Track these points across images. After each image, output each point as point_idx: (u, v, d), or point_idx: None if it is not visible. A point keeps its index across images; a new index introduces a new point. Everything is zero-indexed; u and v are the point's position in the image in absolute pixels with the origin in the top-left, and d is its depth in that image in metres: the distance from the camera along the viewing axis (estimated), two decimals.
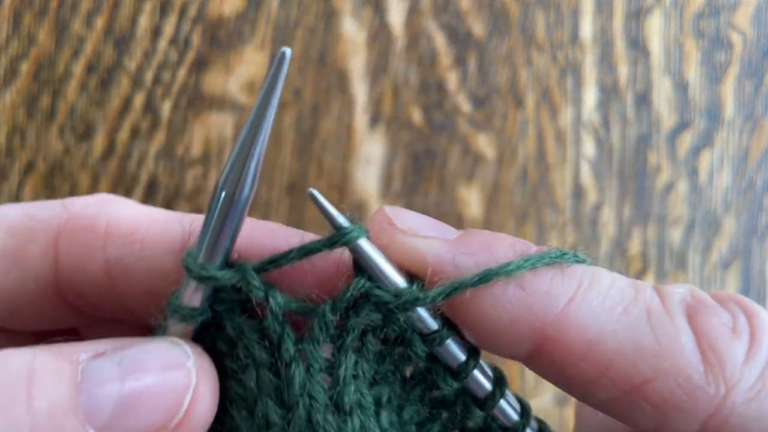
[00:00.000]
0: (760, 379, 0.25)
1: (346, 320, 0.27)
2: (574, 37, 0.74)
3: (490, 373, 0.29)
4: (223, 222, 0.25)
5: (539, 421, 0.30)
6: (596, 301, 0.26)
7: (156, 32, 0.73)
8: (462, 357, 0.28)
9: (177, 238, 0.29)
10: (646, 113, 0.73)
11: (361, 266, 0.27)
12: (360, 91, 0.72)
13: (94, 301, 0.32)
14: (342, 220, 0.27)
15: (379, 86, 0.72)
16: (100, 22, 0.73)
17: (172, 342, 0.26)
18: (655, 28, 0.74)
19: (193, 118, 0.71)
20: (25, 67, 0.72)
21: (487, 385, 0.29)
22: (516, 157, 0.72)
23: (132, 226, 0.30)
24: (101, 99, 0.72)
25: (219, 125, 0.71)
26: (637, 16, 0.74)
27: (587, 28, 0.74)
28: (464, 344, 0.28)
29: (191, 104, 0.72)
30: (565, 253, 0.27)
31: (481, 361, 0.29)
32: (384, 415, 0.28)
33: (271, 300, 0.26)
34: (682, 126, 0.73)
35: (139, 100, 0.72)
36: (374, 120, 0.72)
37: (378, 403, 0.28)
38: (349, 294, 0.26)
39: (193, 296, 0.26)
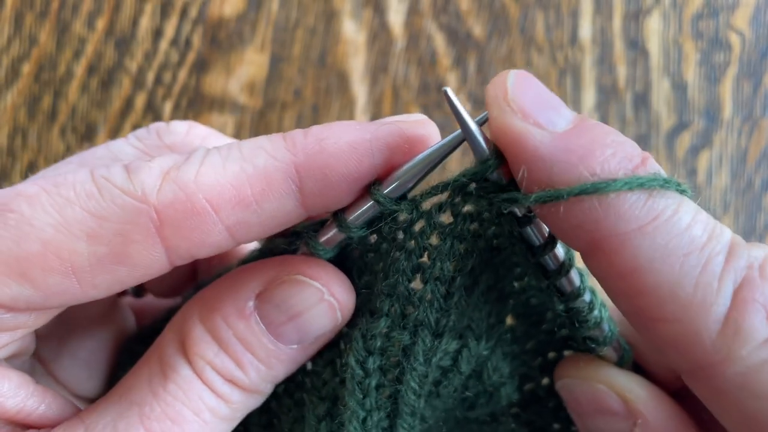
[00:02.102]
0: (760, 365, 0.26)
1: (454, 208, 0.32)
2: (574, 38, 0.74)
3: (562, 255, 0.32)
4: (424, 168, 0.31)
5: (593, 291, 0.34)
6: (661, 239, 0.27)
7: (157, 33, 0.73)
8: (539, 241, 0.32)
9: (287, 183, 0.30)
10: (645, 114, 0.73)
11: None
12: (360, 91, 0.73)
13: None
14: (481, 143, 0.29)
15: (379, 86, 0.73)
16: (101, 23, 0.73)
17: (303, 282, 0.33)
18: (654, 28, 0.74)
19: (193, 118, 0.71)
20: (26, 68, 0.72)
21: (561, 255, 0.32)
22: None
23: (235, 193, 0.30)
24: (102, 100, 0.72)
25: (219, 125, 0.72)
26: (636, 17, 0.74)
27: (586, 29, 0.74)
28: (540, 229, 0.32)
29: (192, 105, 0.72)
30: (668, 181, 0.27)
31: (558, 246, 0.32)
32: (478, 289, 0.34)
33: (415, 213, 0.32)
34: (681, 126, 0.73)
35: (140, 100, 0.72)
36: (374, 120, 0.72)
37: (472, 279, 0.34)
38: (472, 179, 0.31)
39: (334, 235, 0.33)
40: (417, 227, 0.33)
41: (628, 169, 0.27)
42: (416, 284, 0.34)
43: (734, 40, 0.74)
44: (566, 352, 0.38)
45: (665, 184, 0.27)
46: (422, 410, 0.36)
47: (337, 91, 0.72)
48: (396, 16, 0.74)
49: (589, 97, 0.73)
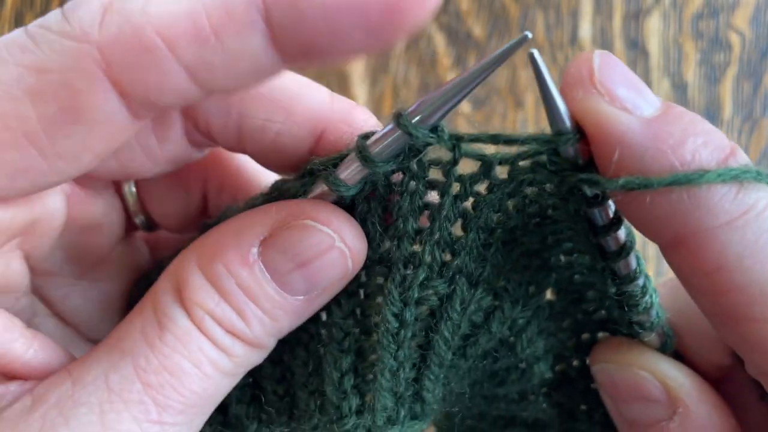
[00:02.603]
0: None
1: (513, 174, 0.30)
2: (574, 38, 0.74)
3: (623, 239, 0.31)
4: (461, 93, 0.28)
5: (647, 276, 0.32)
6: (752, 234, 0.25)
7: None
8: (603, 221, 0.30)
9: (251, 13, 0.25)
10: None
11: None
12: (360, 91, 0.73)
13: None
14: (563, 115, 0.27)
15: (379, 86, 0.73)
16: None
17: (313, 227, 0.30)
18: (654, 28, 0.74)
19: None
20: None
21: (623, 237, 0.30)
22: None
23: (190, 24, 0.25)
24: None
25: None
26: (636, 16, 0.75)
27: (586, 29, 0.74)
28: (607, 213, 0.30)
29: None
30: (759, 174, 0.26)
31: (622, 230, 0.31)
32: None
33: (457, 150, 0.30)
34: None
35: None
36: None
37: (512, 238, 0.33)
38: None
39: (356, 170, 0.30)
40: (462, 170, 0.31)
41: (719, 159, 0.26)
42: (455, 230, 0.32)
43: (734, 40, 0.74)
44: (600, 335, 0.37)
45: (758, 176, 0.26)
46: (448, 366, 0.36)
47: (338, 91, 0.72)
48: None
49: None
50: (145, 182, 0.38)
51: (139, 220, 0.38)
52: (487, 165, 0.30)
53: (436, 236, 0.32)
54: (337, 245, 0.30)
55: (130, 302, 0.39)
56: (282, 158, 0.34)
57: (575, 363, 0.38)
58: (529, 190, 0.30)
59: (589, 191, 0.28)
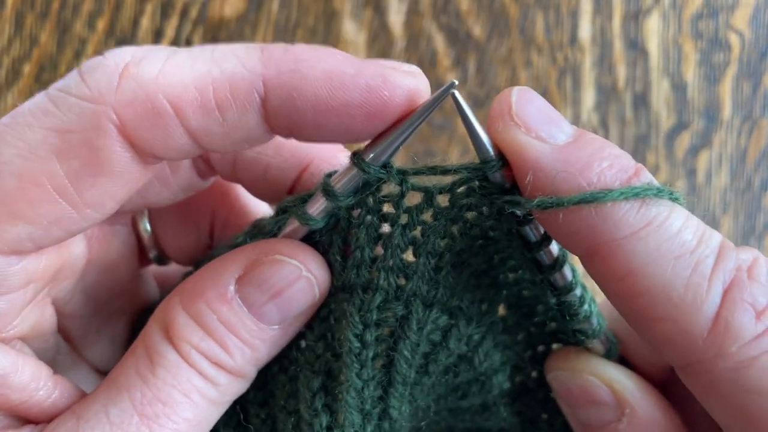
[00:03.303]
0: (749, 361, 0.28)
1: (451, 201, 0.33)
2: (573, 38, 0.74)
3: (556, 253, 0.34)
4: (404, 135, 0.32)
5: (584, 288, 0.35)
6: (653, 243, 0.28)
7: (157, 33, 0.73)
8: (536, 237, 0.33)
9: (251, 96, 0.29)
10: (644, 114, 0.73)
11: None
12: None
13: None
14: (487, 145, 0.31)
15: None
16: (101, 24, 0.73)
17: (281, 261, 0.34)
18: (653, 29, 0.74)
19: None
20: (27, 68, 0.72)
21: (556, 251, 0.34)
22: None
23: (197, 96, 0.28)
24: None
25: None
26: (635, 17, 0.75)
27: (586, 29, 0.74)
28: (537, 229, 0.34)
29: None
30: (660, 191, 0.29)
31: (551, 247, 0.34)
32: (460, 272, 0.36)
33: (404, 184, 0.33)
34: (681, 126, 0.73)
35: None
36: None
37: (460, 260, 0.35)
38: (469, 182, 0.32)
39: (322, 205, 0.34)
40: (410, 202, 0.34)
41: (623, 179, 0.29)
42: (407, 256, 0.35)
43: (734, 40, 0.74)
44: (555, 346, 0.40)
45: (658, 193, 0.29)
46: (412, 383, 0.38)
47: None
48: (396, 17, 0.74)
49: (589, 97, 0.73)
50: (159, 219, 0.42)
51: (152, 254, 0.42)
52: (428, 195, 0.33)
53: (390, 262, 0.35)
54: (304, 275, 0.34)
55: (134, 335, 0.41)
56: (271, 189, 0.38)
57: (533, 374, 0.41)
58: (469, 215, 0.34)
59: (517, 211, 0.31)
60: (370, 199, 0.34)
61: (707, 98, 0.74)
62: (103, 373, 0.41)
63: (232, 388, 0.34)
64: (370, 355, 0.36)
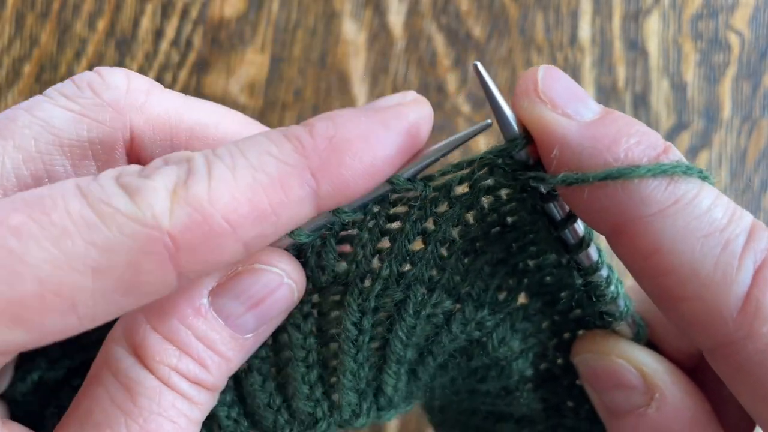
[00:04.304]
0: None
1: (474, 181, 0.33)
2: (573, 39, 0.74)
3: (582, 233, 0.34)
4: (433, 159, 0.32)
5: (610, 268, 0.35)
6: (682, 221, 0.28)
7: (157, 34, 0.73)
8: (561, 216, 0.33)
9: (304, 189, 0.29)
10: (644, 114, 0.73)
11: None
12: (360, 92, 0.73)
13: None
14: (512, 122, 0.31)
15: (379, 87, 0.73)
16: (101, 24, 0.73)
17: (262, 269, 0.32)
18: (653, 29, 0.75)
19: None
20: (27, 69, 0.72)
21: (581, 230, 0.33)
22: None
23: (253, 208, 0.28)
24: None
25: None
26: (635, 17, 0.75)
27: (586, 30, 0.74)
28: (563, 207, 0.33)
29: None
30: (690, 168, 0.28)
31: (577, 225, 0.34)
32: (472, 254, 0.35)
33: (426, 189, 0.33)
34: (681, 127, 0.73)
35: None
36: None
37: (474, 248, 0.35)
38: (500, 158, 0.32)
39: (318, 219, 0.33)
40: (428, 199, 0.33)
41: (651, 156, 0.28)
42: (415, 246, 0.35)
43: (733, 40, 0.75)
44: (580, 332, 0.39)
45: (687, 170, 0.28)
46: (413, 362, 0.38)
47: (338, 92, 0.73)
48: (396, 17, 0.74)
49: None
50: None
51: None
52: (446, 189, 0.33)
53: (395, 254, 0.34)
54: (285, 282, 0.33)
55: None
56: None
57: (559, 361, 0.40)
58: (485, 201, 0.33)
59: (542, 187, 0.31)
60: (377, 208, 0.33)
61: (707, 98, 0.74)
62: None
63: (210, 403, 0.33)
64: (367, 339, 0.36)
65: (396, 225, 0.34)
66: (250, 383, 0.38)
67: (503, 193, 0.33)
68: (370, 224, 0.34)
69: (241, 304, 0.32)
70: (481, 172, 0.32)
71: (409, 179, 0.32)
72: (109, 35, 0.73)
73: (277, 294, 0.33)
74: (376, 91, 0.73)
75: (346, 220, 0.33)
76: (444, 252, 0.35)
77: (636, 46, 0.74)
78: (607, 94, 0.73)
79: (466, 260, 0.35)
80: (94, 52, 0.73)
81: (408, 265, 0.35)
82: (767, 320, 0.27)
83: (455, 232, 0.34)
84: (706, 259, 0.28)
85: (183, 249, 0.27)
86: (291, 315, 0.36)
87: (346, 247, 0.35)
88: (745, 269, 0.28)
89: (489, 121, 0.31)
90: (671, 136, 0.73)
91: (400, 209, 0.34)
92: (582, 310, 0.38)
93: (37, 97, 0.34)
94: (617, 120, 0.29)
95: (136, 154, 0.37)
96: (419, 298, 0.35)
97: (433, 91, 0.73)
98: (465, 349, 0.39)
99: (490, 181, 0.32)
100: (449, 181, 0.33)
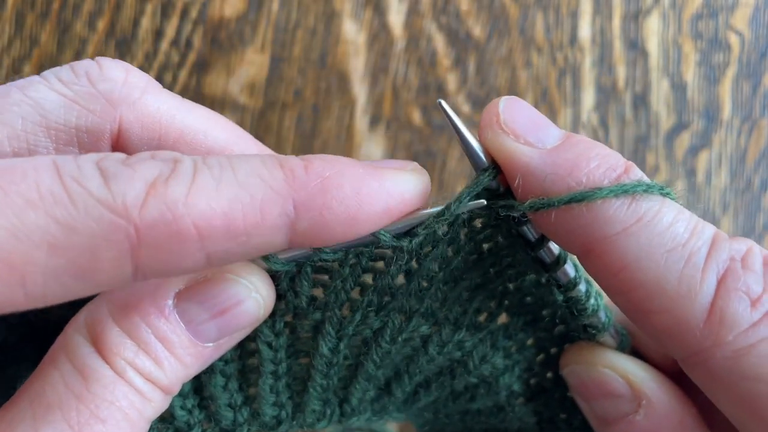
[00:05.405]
0: (746, 349, 0.28)
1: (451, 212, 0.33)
2: (573, 39, 0.74)
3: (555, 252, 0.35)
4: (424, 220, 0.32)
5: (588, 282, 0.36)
6: (646, 238, 0.29)
7: (157, 34, 0.73)
8: (534, 237, 0.34)
9: (282, 219, 0.28)
10: (644, 114, 0.73)
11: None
12: (360, 91, 0.73)
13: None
14: (479, 153, 0.32)
15: (379, 87, 0.73)
16: (101, 24, 0.73)
17: (230, 279, 0.32)
18: (653, 29, 0.74)
19: None
20: (27, 68, 0.72)
21: (556, 249, 0.35)
22: None
23: (225, 222, 0.27)
24: None
25: None
26: (635, 17, 0.75)
27: (586, 30, 0.74)
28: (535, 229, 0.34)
29: None
30: (650, 186, 0.30)
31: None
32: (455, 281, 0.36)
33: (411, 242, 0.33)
34: (681, 127, 0.73)
35: None
36: (374, 120, 0.72)
37: (454, 277, 0.36)
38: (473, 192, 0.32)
39: (301, 253, 0.33)
40: (413, 250, 0.34)
41: (612, 177, 0.30)
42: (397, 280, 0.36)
43: (733, 40, 0.74)
44: (567, 346, 0.40)
45: (648, 189, 0.30)
46: (383, 378, 0.39)
47: (338, 92, 0.73)
48: (396, 17, 0.74)
49: (589, 97, 0.73)
50: None
51: None
52: (431, 234, 0.33)
53: (377, 290, 0.35)
54: (253, 296, 0.33)
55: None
56: None
57: (549, 375, 0.42)
58: (462, 233, 0.34)
59: (512, 213, 0.32)
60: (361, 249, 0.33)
61: (707, 98, 0.74)
62: None
63: (163, 404, 0.33)
64: (341, 360, 0.37)
65: (379, 264, 0.35)
66: (212, 384, 0.38)
67: (478, 222, 0.34)
68: (352, 261, 0.34)
69: (204, 311, 0.32)
70: (453, 206, 0.33)
71: (394, 236, 0.32)
72: (109, 35, 0.73)
73: (242, 306, 0.33)
74: (376, 91, 0.73)
75: (327, 259, 0.33)
76: (425, 284, 0.35)
77: (636, 46, 0.74)
78: (607, 94, 0.73)
79: (444, 288, 0.36)
80: (94, 52, 0.73)
81: (388, 297, 0.35)
82: (732, 329, 0.28)
83: (435, 266, 0.35)
84: (670, 274, 0.29)
85: (145, 245, 0.26)
86: (261, 331, 0.36)
87: (323, 276, 0.35)
88: (708, 281, 0.29)
89: (483, 201, 0.32)
90: (671, 136, 0.73)
91: (385, 250, 0.34)
92: (565, 325, 0.39)
93: (33, 77, 0.34)
94: (577, 144, 0.31)
95: (122, 149, 0.36)
96: (397, 326, 0.36)
97: (433, 91, 0.73)
98: (447, 368, 0.40)
99: (464, 215, 0.33)
100: (432, 227, 0.33)
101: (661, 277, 0.29)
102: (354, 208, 0.29)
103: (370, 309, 0.36)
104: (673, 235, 0.29)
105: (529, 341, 0.40)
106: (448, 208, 0.32)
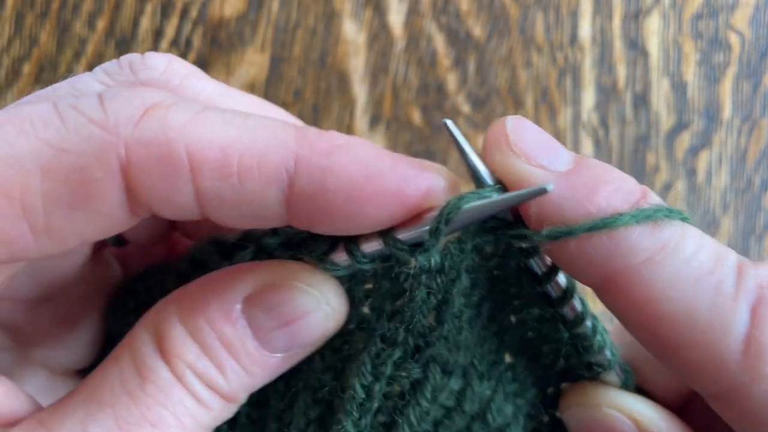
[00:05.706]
0: None
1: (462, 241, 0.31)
2: (573, 38, 0.74)
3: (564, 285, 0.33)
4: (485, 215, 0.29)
5: (594, 318, 0.34)
6: (671, 268, 0.27)
7: (157, 33, 0.73)
8: (542, 270, 0.32)
9: (279, 170, 0.27)
10: (644, 114, 0.73)
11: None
12: (360, 91, 0.73)
13: (181, 220, 0.29)
14: (486, 178, 0.29)
15: (379, 87, 0.73)
16: (101, 24, 0.73)
17: (300, 288, 0.30)
18: (653, 29, 0.74)
19: None
20: (27, 68, 0.72)
21: (564, 282, 0.32)
22: None
23: (221, 157, 0.26)
24: None
25: None
26: (635, 17, 0.75)
27: (586, 29, 0.74)
28: (545, 262, 0.32)
29: None
30: (671, 211, 0.28)
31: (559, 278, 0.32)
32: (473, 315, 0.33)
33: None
34: (681, 126, 0.73)
35: None
36: (374, 120, 0.72)
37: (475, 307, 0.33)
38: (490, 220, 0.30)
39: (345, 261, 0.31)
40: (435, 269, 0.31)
41: (631, 202, 0.28)
42: (429, 319, 0.33)
43: (734, 40, 0.74)
44: (565, 385, 0.38)
45: (669, 214, 0.28)
46: None
47: (338, 92, 0.72)
48: (396, 17, 0.74)
49: (589, 97, 0.73)
50: None
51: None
52: (457, 269, 0.31)
53: (415, 324, 0.32)
54: (323, 307, 0.31)
55: (109, 329, 0.38)
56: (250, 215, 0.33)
57: (545, 419, 0.39)
58: (477, 258, 0.32)
59: (525, 244, 0.30)
60: (399, 270, 0.31)
61: (707, 98, 0.74)
62: (62, 373, 0.37)
63: (223, 413, 0.32)
64: (374, 408, 0.34)
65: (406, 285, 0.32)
66: (274, 390, 0.36)
67: (486, 248, 0.32)
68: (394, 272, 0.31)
69: (273, 319, 0.31)
70: (464, 235, 0.31)
71: (411, 247, 0.29)
72: (108, 35, 0.73)
73: (310, 318, 0.31)
74: (376, 91, 0.73)
75: (365, 268, 0.31)
76: (458, 326, 0.33)
77: (636, 46, 0.74)
78: (607, 94, 0.73)
79: (469, 329, 0.34)
80: (94, 52, 0.73)
81: (423, 342, 0.33)
82: None
83: (463, 302, 0.32)
84: (701, 304, 0.27)
85: (134, 165, 0.26)
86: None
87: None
88: (742, 310, 0.27)
89: (547, 187, 0.29)
90: (671, 136, 0.73)
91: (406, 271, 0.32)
92: (567, 362, 0.37)
93: (84, 74, 0.34)
94: (592, 168, 0.29)
95: None
96: (438, 381, 0.34)
97: (433, 90, 0.73)
98: (465, 428, 0.37)
99: (477, 241, 0.31)
100: (457, 263, 0.31)
101: (691, 308, 0.27)
102: (360, 180, 0.27)
103: (407, 347, 0.32)
104: (699, 263, 0.27)
105: (530, 381, 0.38)
106: (452, 210, 0.29)
